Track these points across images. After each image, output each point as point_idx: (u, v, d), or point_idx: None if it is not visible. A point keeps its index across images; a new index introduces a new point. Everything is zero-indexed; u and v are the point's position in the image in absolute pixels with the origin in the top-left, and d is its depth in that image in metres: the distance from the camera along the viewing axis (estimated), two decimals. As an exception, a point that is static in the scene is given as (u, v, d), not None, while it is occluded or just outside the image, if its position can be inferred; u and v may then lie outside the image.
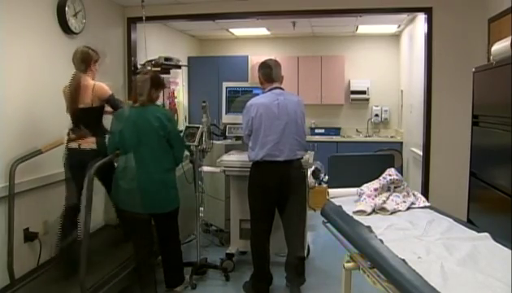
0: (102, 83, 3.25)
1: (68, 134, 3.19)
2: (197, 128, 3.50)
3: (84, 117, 3.09)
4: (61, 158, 3.25)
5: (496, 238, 2.07)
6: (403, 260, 1.87)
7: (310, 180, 4.77)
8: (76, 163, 3.14)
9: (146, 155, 2.94)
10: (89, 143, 3.10)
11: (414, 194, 2.84)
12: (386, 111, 7.65)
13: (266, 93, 3.26)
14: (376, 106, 7.68)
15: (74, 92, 3.15)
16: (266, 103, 3.16)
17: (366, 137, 7.66)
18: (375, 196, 2.73)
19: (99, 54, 3.34)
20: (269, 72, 3.25)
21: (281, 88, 3.26)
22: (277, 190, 3.16)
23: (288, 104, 3.18)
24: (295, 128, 3.17)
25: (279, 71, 3.28)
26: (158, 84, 3.09)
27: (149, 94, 2.99)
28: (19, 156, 3.10)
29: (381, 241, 2.14)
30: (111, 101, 3.24)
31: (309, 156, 3.61)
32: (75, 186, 3.11)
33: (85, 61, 3.22)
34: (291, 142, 3.14)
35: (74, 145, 3.15)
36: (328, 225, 2.77)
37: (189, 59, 7.52)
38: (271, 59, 3.38)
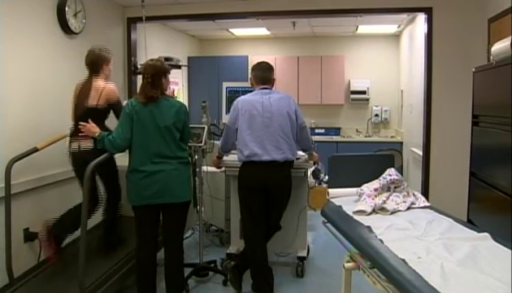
0: (113, 86, 3.22)
1: (70, 136, 3.17)
2: (202, 128, 3.50)
3: (89, 117, 3.05)
4: (60, 158, 3.25)
5: (496, 238, 2.07)
6: (403, 260, 1.87)
7: (310, 180, 4.77)
8: (80, 164, 3.11)
9: (163, 150, 2.83)
10: (89, 142, 3.05)
11: (414, 194, 2.84)
12: (386, 111, 7.65)
13: (253, 92, 3.35)
14: (376, 106, 7.68)
15: (82, 92, 3.14)
16: (251, 101, 3.25)
17: (366, 137, 7.66)
18: (375, 196, 2.73)
19: (111, 55, 3.30)
20: (259, 75, 3.36)
21: (269, 88, 3.34)
22: (262, 192, 3.19)
23: (274, 103, 3.22)
24: (281, 127, 3.18)
25: (270, 74, 3.38)
26: (166, 72, 2.97)
27: (162, 86, 2.89)
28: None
29: (381, 241, 2.14)
30: (116, 107, 3.18)
31: (307, 156, 3.61)
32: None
33: (97, 64, 3.20)
34: (277, 140, 3.16)
35: (75, 146, 3.14)
36: (328, 225, 2.77)
37: (189, 58, 7.52)
38: (264, 62, 3.44)
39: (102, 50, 3.26)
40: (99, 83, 3.16)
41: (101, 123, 3.18)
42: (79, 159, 3.11)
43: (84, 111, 3.10)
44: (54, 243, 3.08)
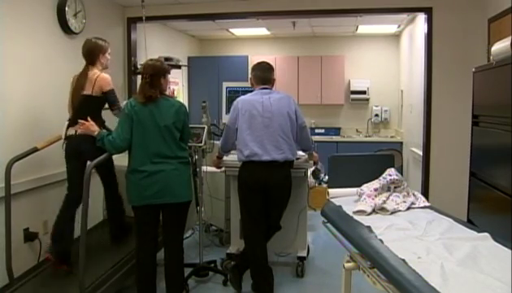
0: (107, 75, 3.21)
1: (69, 122, 3.16)
2: (202, 128, 3.50)
3: (85, 105, 3.07)
4: (60, 157, 3.24)
5: (496, 238, 2.07)
6: (403, 260, 1.87)
7: (310, 180, 4.77)
8: (73, 150, 3.12)
9: (163, 149, 2.82)
10: (87, 129, 2.98)
11: (414, 194, 2.83)
12: (386, 111, 7.65)
13: (253, 92, 3.35)
14: (376, 106, 7.68)
15: (79, 81, 3.14)
16: (251, 101, 3.25)
17: (366, 137, 7.66)
18: (375, 196, 2.73)
19: (107, 44, 3.30)
20: (259, 75, 3.36)
21: (269, 88, 3.35)
22: (262, 192, 3.20)
23: (274, 103, 3.22)
24: (281, 127, 3.18)
25: (270, 74, 3.39)
26: (166, 72, 2.96)
27: (161, 86, 2.88)
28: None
29: (381, 241, 2.14)
30: (110, 95, 3.18)
31: (307, 156, 3.61)
32: (75, 175, 3.10)
33: (93, 53, 3.19)
34: (277, 140, 3.16)
35: (71, 131, 3.13)
36: (328, 225, 2.76)
37: (189, 58, 7.52)
38: (264, 62, 3.44)
39: (99, 39, 3.26)
40: (94, 72, 3.16)
41: (97, 112, 3.18)
42: (75, 145, 3.10)
43: (80, 101, 3.10)
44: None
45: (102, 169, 3.27)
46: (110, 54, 3.33)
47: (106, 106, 3.26)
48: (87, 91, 3.11)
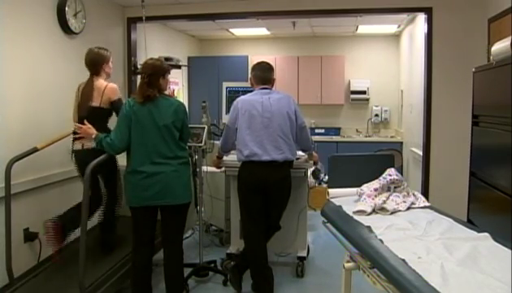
0: (115, 85, 3.22)
1: (73, 134, 3.16)
2: (202, 128, 3.50)
3: (92, 117, 3.05)
4: (60, 158, 3.24)
5: (496, 238, 2.07)
6: (403, 260, 1.87)
7: (310, 180, 4.77)
8: (82, 163, 3.11)
9: (162, 149, 2.80)
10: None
11: (414, 194, 2.83)
12: (386, 111, 7.65)
13: (253, 92, 3.35)
14: (376, 106, 7.68)
15: (86, 92, 3.14)
16: (250, 101, 3.25)
17: (366, 137, 7.67)
18: (375, 196, 2.72)
19: (110, 53, 3.30)
20: (259, 75, 3.36)
21: (269, 88, 3.35)
22: (262, 192, 3.20)
23: (274, 103, 3.22)
24: (280, 127, 3.18)
25: (270, 74, 3.39)
26: (165, 72, 2.94)
27: (159, 85, 2.86)
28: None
29: (381, 241, 2.13)
30: (117, 104, 3.16)
31: (307, 156, 3.61)
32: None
33: (97, 63, 3.20)
34: (276, 141, 3.16)
35: (78, 146, 3.14)
36: (328, 225, 2.76)
37: (189, 58, 7.53)
38: (264, 62, 3.45)
39: (101, 49, 3.26)
40: (101, 82, 3.16)
41: (104, 123, 3.18)
42: (82, 160, 3.10)
43: (87, 112, 3.09)
44: (60, 235, 3.09)
45: (104, 173, 3.25)
46: (112, 63, 3.33)
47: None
48: (95, 103, 3.11)
